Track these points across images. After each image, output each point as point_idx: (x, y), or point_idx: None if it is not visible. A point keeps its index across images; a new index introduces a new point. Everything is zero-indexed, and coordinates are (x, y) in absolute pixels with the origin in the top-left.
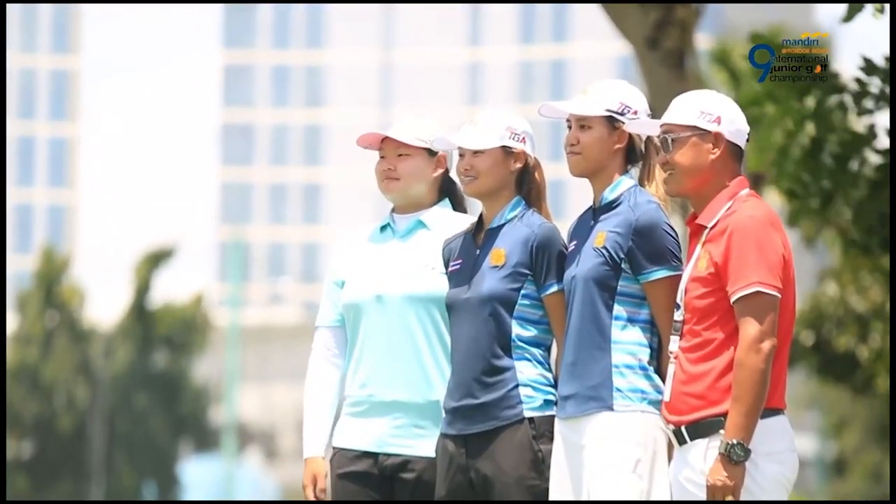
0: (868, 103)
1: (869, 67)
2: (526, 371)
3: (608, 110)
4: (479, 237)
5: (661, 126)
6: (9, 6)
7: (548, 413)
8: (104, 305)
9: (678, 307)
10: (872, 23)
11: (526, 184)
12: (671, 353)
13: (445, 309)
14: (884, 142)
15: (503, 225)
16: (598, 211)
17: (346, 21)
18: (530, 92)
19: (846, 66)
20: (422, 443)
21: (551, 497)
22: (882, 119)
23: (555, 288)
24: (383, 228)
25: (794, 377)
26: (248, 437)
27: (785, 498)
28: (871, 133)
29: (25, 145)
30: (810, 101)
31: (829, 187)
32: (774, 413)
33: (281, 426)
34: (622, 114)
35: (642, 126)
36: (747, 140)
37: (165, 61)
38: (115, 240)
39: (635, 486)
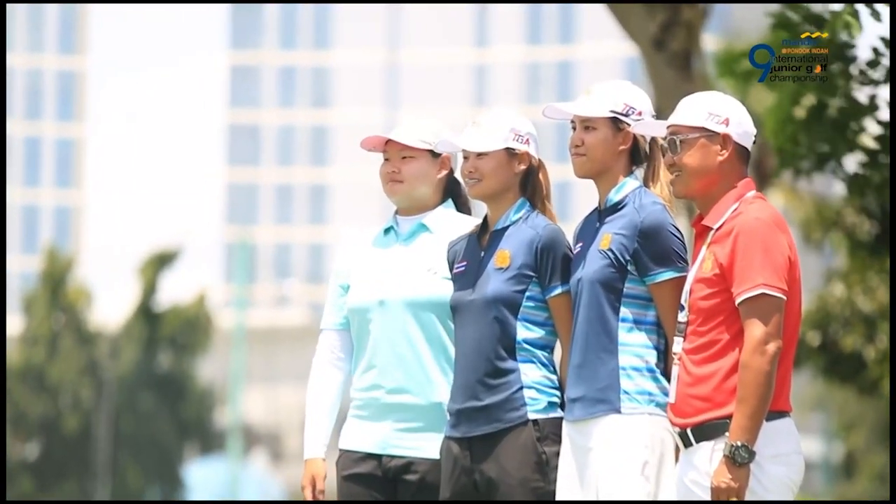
0: (876, 74)
1: (884, 43)
2: (530, 373)
3: (612, 111)
4: (484, 239)
5: (669, 127)
6: (16, 7)
7: (552, 415)
8: (111, 306)
9: (682, 308)
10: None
11: (530, 185)
12: (674, 354)
13: (449, 311)
14: (885, 114)
15: (508, 227)
16: (603, 213)
17: (353, 22)
18: (537, 93)
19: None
20: (425, 444)
21: (559, 499)
22: (884, 93)
23: (559, 290)
24: (387, 231)
25: (800, 378)
26: (253, 438)
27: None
28: (873, 104)
29: (32, 146)
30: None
31: (825, 151)
32: (780, 415)
33: (287, 427)
34: (626, 115)
35: (648, 127)
36: (754, 142)
37: (172, 62)
38: (122, 240)
39: (643, 488)
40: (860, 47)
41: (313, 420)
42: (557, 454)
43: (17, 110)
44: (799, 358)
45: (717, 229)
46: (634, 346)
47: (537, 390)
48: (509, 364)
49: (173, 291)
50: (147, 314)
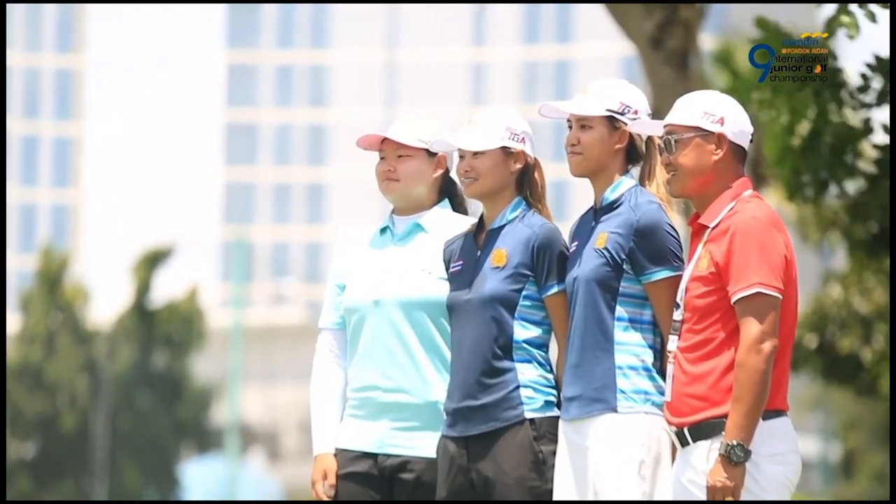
0: (867, 98)
1: (879, 64)
2: (527, 372)
3: (608, 110)
4: (480, 238)
5: (664, 127)
6: (14, 6)
7: (549, 414)
8: (108, 305)
9: (677, 306)
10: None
11: (526, 184)
12: (669, 352)
13: (443, 311)
14: (880, 137)
15: (504, 226)
16: (599, 211)
17: (351, 21)
18: (534, 92)
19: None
20: (421, 443)
21: (555, 499)
22: (879, 115)
23: (556, 289)
24: (383, 231)
25: (798, 380)
26: (251, 437)
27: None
28: (867, 127)
29: (29, 145)
30: (808, 92)
31: (825, 177)
32: (777, 414)
33: (284, 427)
34: (622, 113)
35: (644, 126)
36: (751, 141)
37: (169, 61)
38: (120, 239)
39: (639, 487)
40: (849, 72)
41: (320, 416)
42: (554, 453)
43: (14, 109)
44: (797, 360)
45: (714, 228)
46: (630, 345)
47: (534, 389)
48: (506, 363)
49: (169, 290)
50: (142, 312)
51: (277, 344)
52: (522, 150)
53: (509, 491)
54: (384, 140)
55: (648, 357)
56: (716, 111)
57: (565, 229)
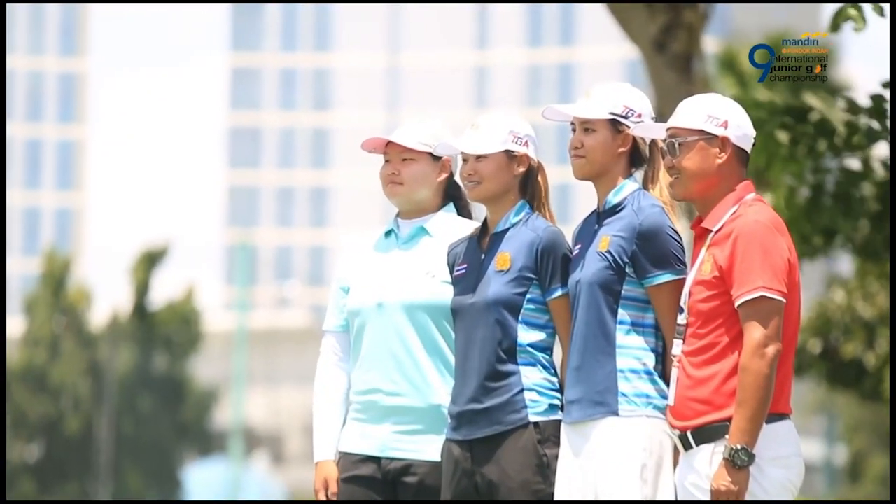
0: (858, 140)
1: (853, 108)
2: (531, 375)
3: (612, 113)
4: (484, 242)
5: (668, 130)
6: (17, 8)
7: (553, 417)
8: (111, 308)
9: (681, 311)
10: (878, 25)
11: (530, 187)
12: (674, 356)
13: (447, 315)
14: (881, 174)
15: (508, 229)
16: (602, 215)
17: (354, 24)
18: (537, 95)
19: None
20: (424, 447)
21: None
22: (875, 151)
23: (560, 292)
24: (388, 234)
25: (802, 385)
26: (254, 440)
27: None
28: (868, 167)
29: (33, 148)
30: (802, 149)
31: (830, 226)
32: (780, 418)
33: (288, 430)
34: (626, 117)
35: (648, 129)
36: (753, 144)
37: (173, 64)
38: (123, 242)
39: (641, 491)
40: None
41: (322, 422)
42: (558, 457)
43: (18, 112)
44: (801, 366)
45: (717, 232)
46: (632, 348)
47: (538, 392)
48: (510, 367)
49: (171, 291)
50: (141, 314)
51: (281, 347)
52: (526, 154)
53: (513, 494)
54: (388, 143)
55: (650, 360)
56: (720, 114)
57: (569, 232)
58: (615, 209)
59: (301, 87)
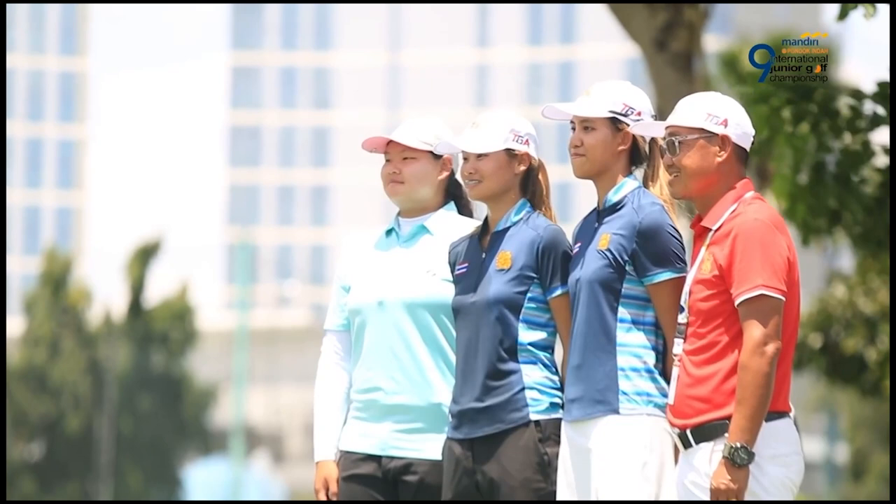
0: (861, 124)
1: (857, 95)
2: (532, 374)
3: (611, 111)
4: (485, 240)
5: (667, 128)
6: (17, 8)
7: (554, 416)
8: (111, 307)
9: (682, 310)
10: (878, 25)
11: (530, 186)
12: (675, 355)
13: (447, 313)
14: (881, 160)
15: (509, 228)
16: (602, 213)
17: (354, 22)
18: (538, 93)
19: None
20: (425, 445)
21: (558, 500)
22: (877, 136)
23: (560, 290)
24: (388, 232)
25: (802, 380)
26: (255, 439)
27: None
28: (867, 151)
29: (33, 147)
30: (805, 127)
31: (835, 206)
32: (779, 416)
33: (288, 429)
34: (625, 115)
35: (647, 128)
36: (752, 142)
37: (173, 62)
38: (123, 241)
39: (642, 489)
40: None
41: (322, 422)
42: (559, 455)
43: (18, 111)
44: (801, 360)
45: (716, 230)
46: (633, 346)
47: (539, 391)
48: (511, 365)
49: (167, 289)
50: (137, 311)
51: (281, 346)
52: (526, 152)
53: (514, 493)
54: (389, 142)
55: (651, 358)
56: (719, 113)
57: (569, 231)
58: (615, 207)
59: (301, 86)
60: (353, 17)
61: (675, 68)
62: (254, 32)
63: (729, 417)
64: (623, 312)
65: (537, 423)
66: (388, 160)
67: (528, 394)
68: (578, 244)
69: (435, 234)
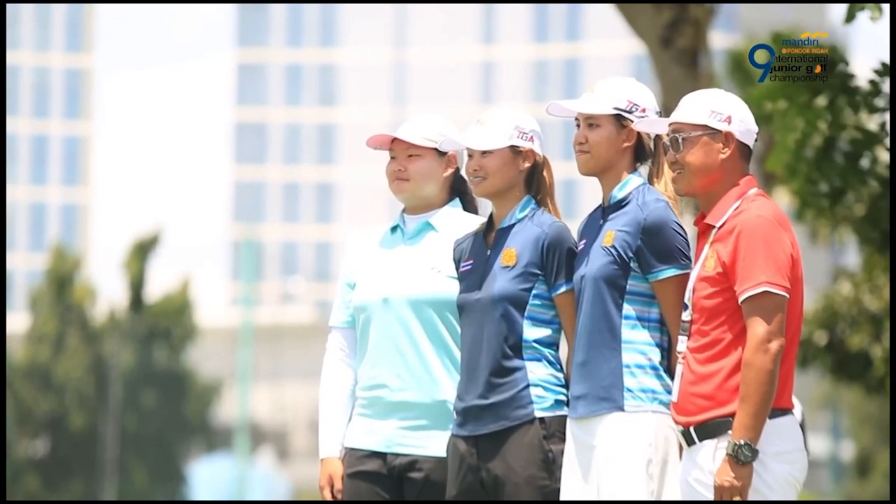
0: (880, 102)
1: (884, 69)
2: (537, 371)
3: (616, 108)
4: (490, 237)
5: (671, 125)
6: (23, 5)
7: (559, 413)
8: (115, 304)
9: (686, 307)
10: (884, 23)
11: (535, 182)
12: (679, 352)
13: (452, 310)
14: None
15: (514, 224)
16: (606, 210)
17: (360, 19)
18: (544, 91)
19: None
20: (430, 442)
21: (563, 497)
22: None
23: (565, 287)
24: (394, 229)
25: (807, 379)
26: (260, 436)
27: (794, 498)
28: (884, 131)
29: (39, 144)
30: (822, 100)
31: (839, 185)
32: (782, 413)
33: (293, 426)
34: (630, 112)
35: (651, 124)
36: (755, 139)
37: (179, 60)
38: (129, 238)
39: (647, 486)
40: (858, 70)
41: (327, 419)
42: (564, 452)
43: (24, 108)
44: (806, 357)
45: (720, 227)
46: (638, 343)
47: (544, 388)
48: (516, 362)
49: (169, 285)
50: (137, 307)
51: (286, 343)
52: (531, 149)
53: (519, 490)
54: (394, 140)
55: (656, 355)
56: (723, 110)
57: (574, 228)
58: (620, 204)
59: (307, 83)
60: (358, 14)
61: (680, 65)
62: (259, 30)
63: (732, 414)
64: (628, 309)
65: (542, 420)
66: (393, 157)
67: (533, 391)
68: (583, 241)
69: (440, 231)
